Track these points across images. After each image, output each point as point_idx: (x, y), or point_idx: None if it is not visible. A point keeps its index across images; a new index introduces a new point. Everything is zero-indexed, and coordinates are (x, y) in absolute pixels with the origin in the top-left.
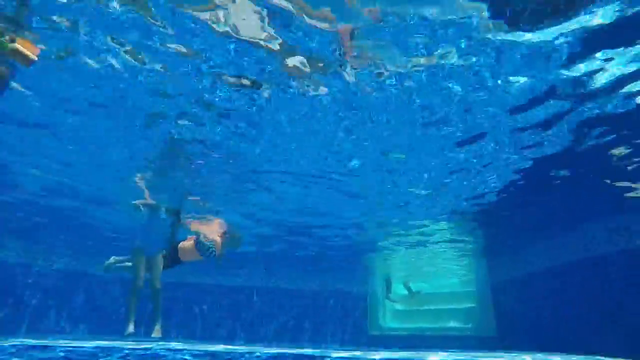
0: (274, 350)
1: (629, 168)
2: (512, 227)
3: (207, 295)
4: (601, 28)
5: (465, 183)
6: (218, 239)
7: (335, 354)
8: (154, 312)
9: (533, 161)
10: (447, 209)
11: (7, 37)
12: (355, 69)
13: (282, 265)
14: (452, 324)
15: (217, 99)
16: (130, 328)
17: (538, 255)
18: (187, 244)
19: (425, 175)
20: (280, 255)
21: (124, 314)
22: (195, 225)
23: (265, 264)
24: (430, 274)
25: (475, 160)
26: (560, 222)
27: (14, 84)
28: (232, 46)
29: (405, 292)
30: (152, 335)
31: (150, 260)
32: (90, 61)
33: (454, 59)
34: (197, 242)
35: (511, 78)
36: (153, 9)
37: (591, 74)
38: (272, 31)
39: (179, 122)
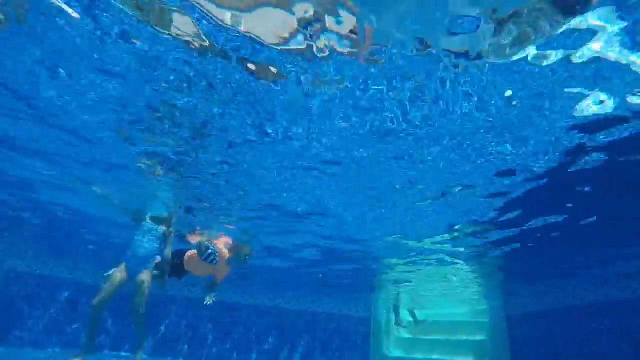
0: None
1: None
2: (536, 258)
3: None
4: None
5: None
6: (224, 249)
7: None
8: (136, 339)
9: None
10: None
11: None
12: None
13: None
14: (463, 357)
15: None
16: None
17: (562, 291)
18: (192, 251)
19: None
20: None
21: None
22: (197, 239)
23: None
24: (439, 300)
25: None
26: (588, 259)
27: None
28: None
29: (410, 318)
30: None
31: (136, 279)
32: None
33: None
34: (198, 244)
35: None
36: None
37: None
38: None
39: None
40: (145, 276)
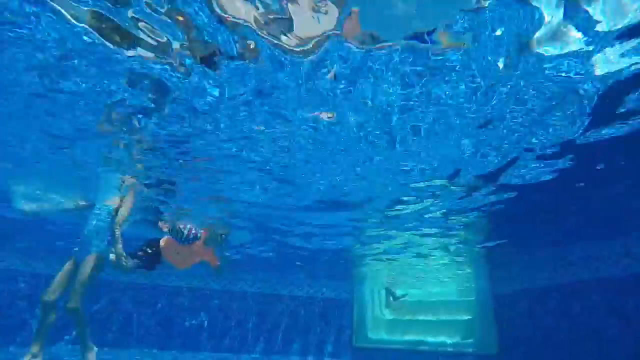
0: None
1: None
2: (528, 230)
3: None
4: None
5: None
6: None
7: None
8: (80, 340)
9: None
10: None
11: None
12: None
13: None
14: (450, 338)
15: None
16: (29, 356)
17: (556, 268)
18: (166, 238)
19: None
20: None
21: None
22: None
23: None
24: (423, 278)
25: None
26: (587, 233)
27: None
28: None
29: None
30: None
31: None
32: None
33: None
34: (172, 229)
35: None
36: None
37: None
38: None
39: None
40: (86, 264)
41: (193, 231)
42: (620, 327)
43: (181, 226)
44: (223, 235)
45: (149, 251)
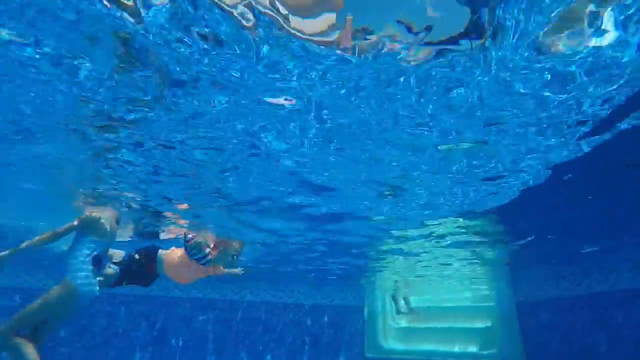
0: None
1: None
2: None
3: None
4: None
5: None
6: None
7: None
8: None
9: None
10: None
11: None
12: None
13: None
14: (467, 347)
15: None
16: None
17: (586, 275)
18: (176, 250)
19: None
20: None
21: None
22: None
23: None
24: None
25: None
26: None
27: None
28: None
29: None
30: None
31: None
32: None
33: None
34: (191, 242)
35: None
36: None
37: None
38: None
39: None
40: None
41: (208, 249)
42: None
43: (201, 240)
44: (235, 256)
45: (139, 264)
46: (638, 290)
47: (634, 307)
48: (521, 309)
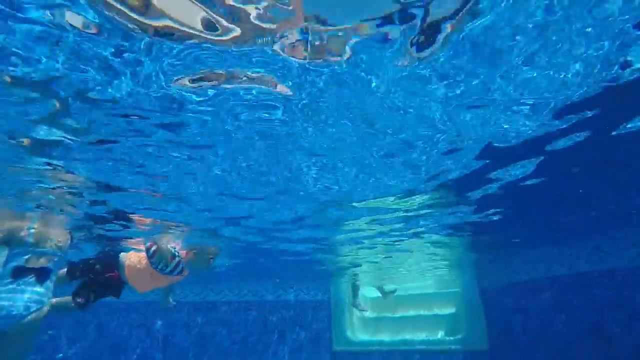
0: None
1: None
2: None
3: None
4: None
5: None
6: (182, 252)
7: None
8: None
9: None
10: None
11: None
12: None
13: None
14: (435, 335)
15: None
16: None
17: (549, 259)
18: (136, 255)
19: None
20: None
21: None
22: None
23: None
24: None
25: None
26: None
27: None
28: None
29: (379, 294)
30: None
31: None
32: None
33: None
34: (150, 250)
35: None
36: None
37: None
38: None
39: None
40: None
41: (177, 258)
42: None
43: (170, 248)
44: (212, 259)
45: (97, 272)
46: (594, 272)
47: (590, 289)
48: (484, 294)
